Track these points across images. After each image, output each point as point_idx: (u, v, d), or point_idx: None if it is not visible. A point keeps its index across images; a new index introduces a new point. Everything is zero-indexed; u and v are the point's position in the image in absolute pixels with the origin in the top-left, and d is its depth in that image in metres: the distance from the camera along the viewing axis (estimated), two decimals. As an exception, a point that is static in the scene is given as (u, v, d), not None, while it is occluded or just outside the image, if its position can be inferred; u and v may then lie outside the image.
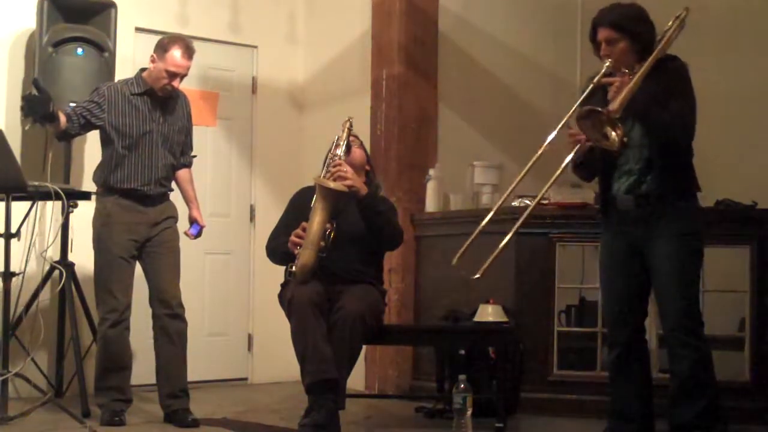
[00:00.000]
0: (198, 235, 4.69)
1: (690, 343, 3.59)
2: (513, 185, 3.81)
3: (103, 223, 4.42)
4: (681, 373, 3.60)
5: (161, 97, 4.46)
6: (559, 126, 3.60)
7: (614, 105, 3.43)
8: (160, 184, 4.48)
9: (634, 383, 3.74)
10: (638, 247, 3.67)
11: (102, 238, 4.41)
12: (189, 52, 4.42)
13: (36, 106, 4.19)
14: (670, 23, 3.64)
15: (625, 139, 3.45)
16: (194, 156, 4.74)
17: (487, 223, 3.95)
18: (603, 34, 3.64)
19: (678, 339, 3.60)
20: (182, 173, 4.65)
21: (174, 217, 4.55)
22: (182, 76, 4.45)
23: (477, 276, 3.68)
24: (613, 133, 3.41)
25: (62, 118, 4.29)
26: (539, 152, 3.63)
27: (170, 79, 4.40)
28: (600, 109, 3.42)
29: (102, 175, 4.45)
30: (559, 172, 3.64)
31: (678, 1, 3.68)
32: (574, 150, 3.60)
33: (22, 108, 4.19)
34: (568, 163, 3.65)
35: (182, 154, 4.63)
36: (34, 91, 4.29)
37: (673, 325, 3.61)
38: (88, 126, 4.42)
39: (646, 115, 3.55)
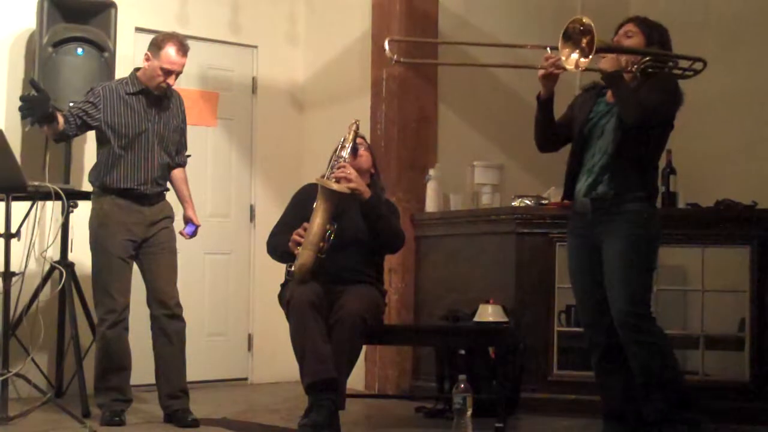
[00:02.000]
0: (193, 234, 4.68)
1: (636, 339, 3.62)
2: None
3: (100, 224, 4.41)
4: (637, 370, 3.64)
5: (156, 96, 4.46)
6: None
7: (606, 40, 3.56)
8: (156, 183, 4.47)
9: (620, 382, 3.77)
10: (598, 248, 3.73)
11: (99, 239, 4.41)
12: (183, 49, 4.42)
13: (34, 106, 4.16)
14: (687, 58, 3.73)
15: (575, 69, 3.55)
16: (188, 155, 4.74)
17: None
18: (626, 27, 3.79)
19: (625, 336, 3.64)
20: (177, 173, 4.65)
21: (170, 217, 4.55)
22: (177, 74, 4.44)
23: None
24: (575, 56, 3.51)
25: (60, 119, 4.28)
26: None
27: (165, 76, 4.39)
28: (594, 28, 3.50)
29: (98, 175, 4.44)
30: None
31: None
32: (543, 71, 3.70)
33: (21, 109, 4.16)
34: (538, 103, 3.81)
35: (177, 153, 4.62)
36: (32, 92, 4.28)
37: (617, 323, 3.65)
38: (84, 127, 4.42)
39: (616, 87, 3.62)
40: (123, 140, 4.39)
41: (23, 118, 4.28)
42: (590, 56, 3.47)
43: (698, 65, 3.69)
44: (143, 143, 4.42)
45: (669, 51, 3.77)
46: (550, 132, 3.88)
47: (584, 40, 3.49)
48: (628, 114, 3.59)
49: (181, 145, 4.66)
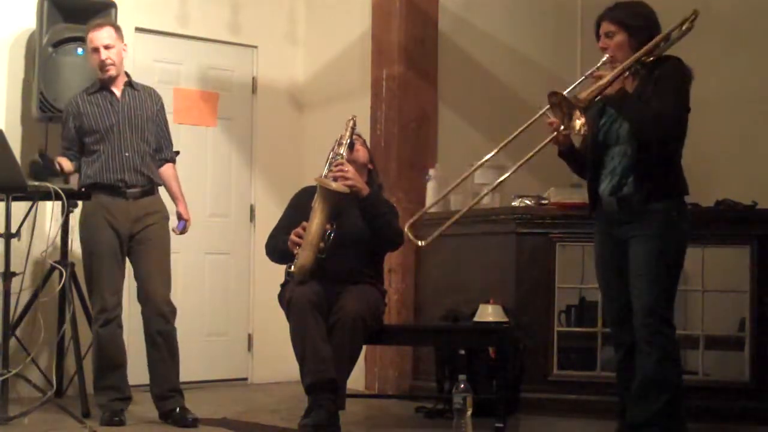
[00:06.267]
0: (183, 230, 4.67)
1: (654, 341, 3.57)
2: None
3: (85, 224, 4.44)
4: (643, 371, 3.59)
5: (121, 91, 4.49)
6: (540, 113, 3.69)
7: (583, 93, 3.49)
8: (139, 172, 4.45)
9: None
10: (624, 247, 3.69)
11: (86, 239, 4.43)
12: (101, 24, 4.51)
13: (41, 172, 4.37)
14: (677, 25, 3.65)
15: (584, 130, 3.50)
16: (177, 152, 4.73)
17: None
18: (603, 27, 3.72)
19: (643, 337, 3.59)
20: (165, 169, 4.64)
21: (160, 212, 4.51)
22: (107, 47, 4.44)
23: None
24: (578, 121, 3.48)
25: (67, 165, 4.44)
26: (517, 133, 3.81)
27: (99, 55, 4.43)
28: (566, 95, 3.48)
29: (80, 176, 4.49)
30: (530, 155, 3.77)
31: (687, 4, 3.68)
32: (550, 137, 3.68)
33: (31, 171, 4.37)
34: (541, 149, 3.76)
35: (165, 148, 4.62)
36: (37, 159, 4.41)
37: (638, 323, 3.61)
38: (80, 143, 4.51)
39: (625, 110, 3.58)
40: (95, 136, 4.43)
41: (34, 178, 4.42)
42: (582, 113, 3.45)
43: (690, 23, 3.60)
44: (116, 135, 4.44)
45: (655, 31, 3.66)
46: (579, 160, 3.85)
47: (567, 109, 3.48)
48: (647, 136, 3.55)
49: (164, 139, 4.64)
